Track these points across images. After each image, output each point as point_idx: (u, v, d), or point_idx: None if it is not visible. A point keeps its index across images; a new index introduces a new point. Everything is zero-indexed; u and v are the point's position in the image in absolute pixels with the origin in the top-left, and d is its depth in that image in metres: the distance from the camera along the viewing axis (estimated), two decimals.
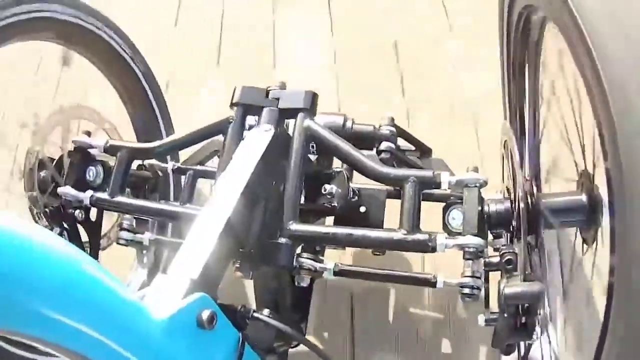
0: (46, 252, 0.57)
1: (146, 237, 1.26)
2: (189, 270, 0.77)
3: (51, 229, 1.16)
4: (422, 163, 1.27)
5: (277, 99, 1.08)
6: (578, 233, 0.94)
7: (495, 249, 0.97)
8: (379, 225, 1.19)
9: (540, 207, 0.92)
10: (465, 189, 0.96)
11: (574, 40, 0.74)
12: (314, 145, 1.07)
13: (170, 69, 1.97)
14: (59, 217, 1.18)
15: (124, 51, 1.43)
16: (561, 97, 0.97)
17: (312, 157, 1.09)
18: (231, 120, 1.09)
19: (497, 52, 1.26)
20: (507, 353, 0.97)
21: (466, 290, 0.97)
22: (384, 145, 1.15)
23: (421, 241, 0.94)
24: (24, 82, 1.98)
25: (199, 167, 1.31)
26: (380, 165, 1.03)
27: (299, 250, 1.02)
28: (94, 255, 1.22)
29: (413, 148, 1.32)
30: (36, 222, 1.17)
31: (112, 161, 1.19)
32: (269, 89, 1.10)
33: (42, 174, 1.21)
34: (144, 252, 1.29)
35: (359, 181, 1.16)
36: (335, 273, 1.07)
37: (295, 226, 0.99)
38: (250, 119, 1.08)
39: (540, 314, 0.88)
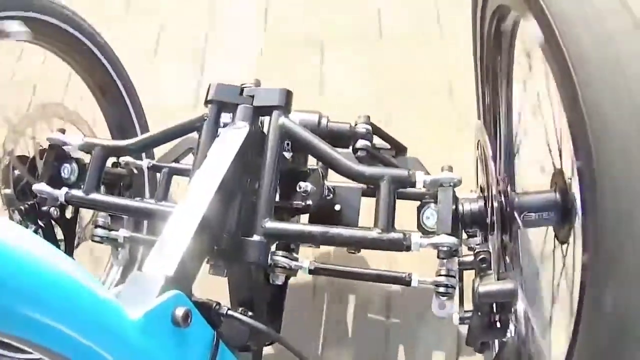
0: (20, 250, 0.57)
1: (121, 234, 1.25)
2: (163, 267, 0.77)
3: (26, 227, 1.15)
4: (398, 161, 1.27)
5: (252, 97, 1.07)
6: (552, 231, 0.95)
7: (470, 248, 0.98)
8: (354, 223, 1.19)
9: (514, 206, 0.93)
10: (439, 188, 0.97)
11: (546, 38, 0.75)
12: (289, 142, 1.06)
13: None
14: (33, 214, 1.17)
15: (92, 43, 1.40)
16: (534, 96, 0.98)
17: (287, 155, 1.09)
18: (206, 118, 1.08)
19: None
20: (481, 351, 0.98)
21: (441, 289, 0.98)
22: (360, 143, 1.16)
23: (396, 240, 0.94)
24: None
25: (174, 165, 1.31)
26: (355, 164, 1.03)
27: (273, 248, 1.02)
28: (69, 252, 1.21)
29: (389, 146, 1.33)
30: (11, 219, 1.16)
31: (87, 158, 1.18)
32: (243, 86, 1.09)
33: (17, 171, 1.20)
34: (119, 249, 1.28)
35: (334, 179, 1.16)
36: (311, 271, 1.07)
37: (270, 224, 0.99)
38: (225, 117, 1.08)
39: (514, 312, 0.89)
